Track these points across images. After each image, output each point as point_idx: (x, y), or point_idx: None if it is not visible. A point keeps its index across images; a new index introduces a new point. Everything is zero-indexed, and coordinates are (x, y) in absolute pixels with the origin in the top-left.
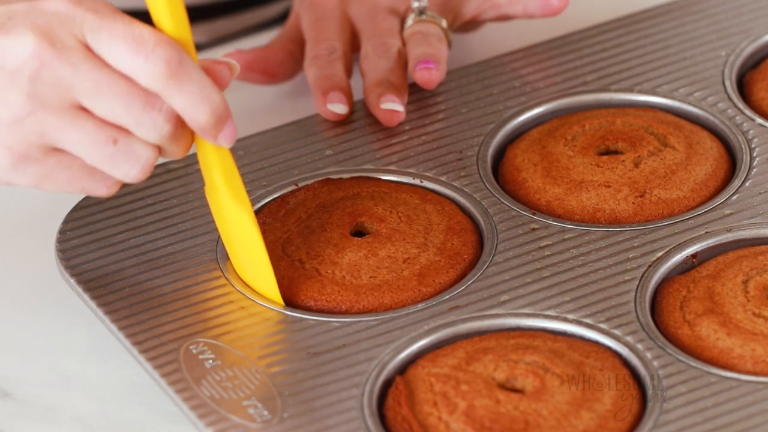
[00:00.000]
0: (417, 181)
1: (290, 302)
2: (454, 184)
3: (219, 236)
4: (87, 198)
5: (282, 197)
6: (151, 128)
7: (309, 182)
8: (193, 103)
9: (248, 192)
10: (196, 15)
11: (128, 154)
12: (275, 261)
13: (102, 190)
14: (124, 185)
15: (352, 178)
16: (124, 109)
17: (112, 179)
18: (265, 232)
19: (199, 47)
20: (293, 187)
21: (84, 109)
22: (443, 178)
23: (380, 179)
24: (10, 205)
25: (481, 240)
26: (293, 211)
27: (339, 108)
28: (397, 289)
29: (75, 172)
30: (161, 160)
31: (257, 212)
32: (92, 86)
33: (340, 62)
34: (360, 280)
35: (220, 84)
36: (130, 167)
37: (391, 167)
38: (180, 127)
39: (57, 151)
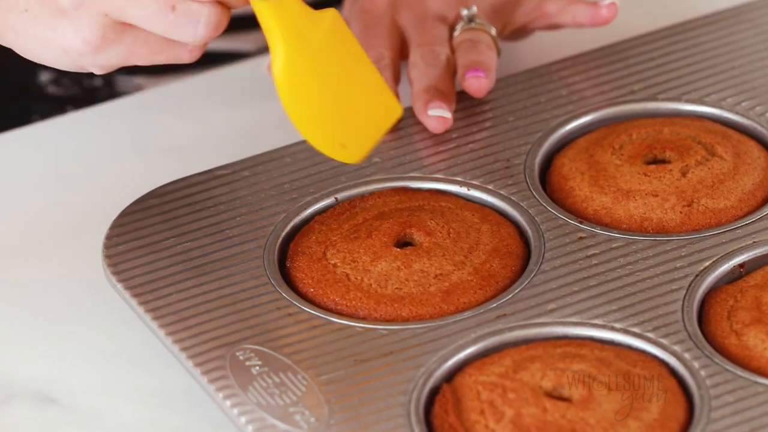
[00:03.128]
0: (464, 190)
1: (313, 302)
2: (501, 192)
3: (267, 242)
4: (134, 204)
5: (350, 201)
6: None
7: (383, 189)
8: None
9: (295, 199)
10: (243, 24)
11: (189, 17)
12: (315, 262)
13: (185, 56)
14: (171, 191)
15: (428, 190)
16: None
17: (195, 36)
18: (318, 233)
19: (247, 55)
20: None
21: None
22: (490, 186)
23: (455, 194)
24: (57, 211)
25: (525, 266)
26: (354, 216)
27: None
28: (419, 303)
29: (154, 45)
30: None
31: (321, 213)
32: None
33: (388, 69)
34: (385, 289)
35: None
36: (194, 29)
37: (438, 175)
38: None
39: (129, 28)
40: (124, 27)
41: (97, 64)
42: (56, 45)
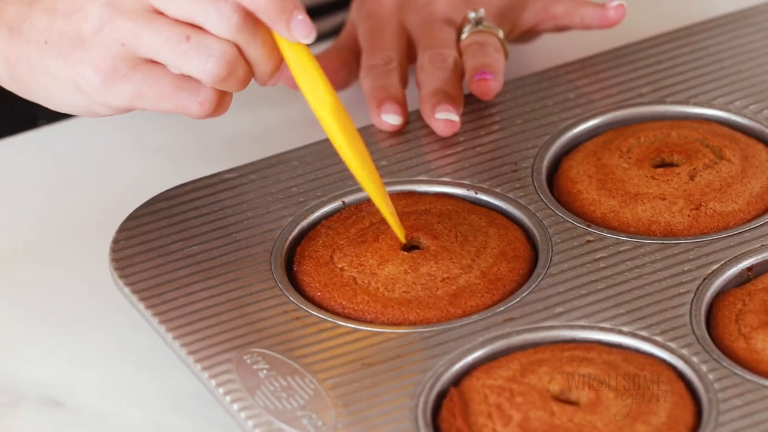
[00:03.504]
0: (472, 193)
1: (320, 306)
2: (509, 195)
3: (274, 245)
4: (141, 207)
5: (357, 206)
6: (219, 18)
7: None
8: None
9: (302, 202)
10: None
11: (201, 49)
12: (322, 266)
13: (194, 107)
14: (178, 194)
15: (435, 193)
16: (192, 5)
17: (203, 94)
18: (326, 237)
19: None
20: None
21: (159, 12)
22: (498, 190)
23: (462, 198)
24: (64, 215)
25: (533, 269)
26: (361, 220)
27: (394, 119)
28: (426, 306)
29: (164, 87)
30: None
31: (329, 217)
32: None
33: (395, 72)
34: (392, 293)
35: None
36: (204, 62)
37: (446, 178)
38: (251, 20)
39: (142, 65)
40: (137, 63)
41: (106, 102)
42: (68, 77)
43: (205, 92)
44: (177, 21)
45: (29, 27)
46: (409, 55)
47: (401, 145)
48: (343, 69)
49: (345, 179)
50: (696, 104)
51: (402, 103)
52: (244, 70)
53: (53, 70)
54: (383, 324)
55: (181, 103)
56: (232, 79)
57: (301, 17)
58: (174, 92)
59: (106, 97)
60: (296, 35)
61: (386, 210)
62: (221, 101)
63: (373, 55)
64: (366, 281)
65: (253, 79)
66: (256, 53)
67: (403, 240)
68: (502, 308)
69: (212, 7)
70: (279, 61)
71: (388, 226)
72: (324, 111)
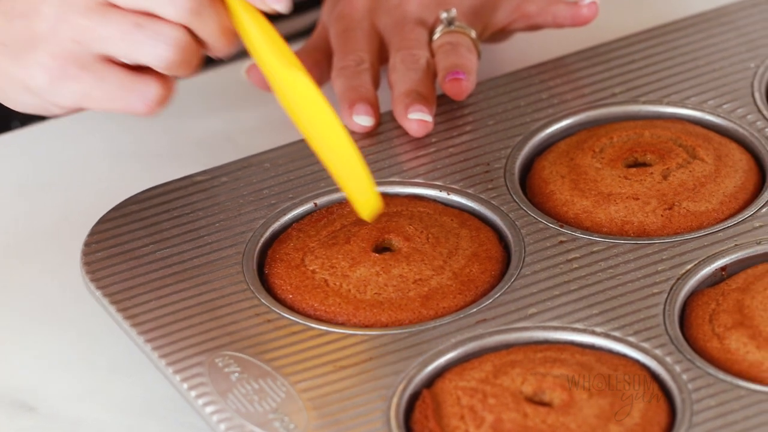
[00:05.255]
0: (444, 194)
1: (292, 308)
2: (482, 196)
3: (245, 248)
4: (112, 211)
5: (328, 208)
6: (170, 4)
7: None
8: None
9: (274, 204)
10: None
11: (153, 36)
12: (294, 268)
13: (140, 106)
14: (150, 197)
15: (406, 196)
16: None
17: (149, 95)
18: (297, 239)
19: (222, 61)
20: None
21: (112, 5)
22: (470, 191)
23: (433, 200)
24: (35, 218)
25: (505, 270)
26: (332, 223)
27: (365, 120)
28: (398, 308)
29: (111, 87)
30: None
31: (300, 220)
32: None
33: (367, 73)
34: (364, 295)
35: None
36: (156, 48)
37: (418, 180)
38: (204, 1)
39: (93, 64)
40: (88, 62)
41: (55, 102)
42: (19, 79)
43: (152, 93)
44: (129, 11)
45: None
46: (382, 56)
47: (373, 147)
48: (315, 70)
49: (317, 181)
50: (669, 104)
51: (374, 104)
52: (197, 54)
53: (7, 71)
54: (355, 326)
55: (128, 104)
56: (184, 64)
57: None
58: (121, 94)
59: (54, 97)
60: (272, 4)
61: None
62: (166, 99)
63: (344, 57)
64: (338, 283)
65: (225, 86)
66: (209, 33)
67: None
68: (475, 310)
69: None
70: (232, 36)
71: (360, 228)
72: (289, 69)
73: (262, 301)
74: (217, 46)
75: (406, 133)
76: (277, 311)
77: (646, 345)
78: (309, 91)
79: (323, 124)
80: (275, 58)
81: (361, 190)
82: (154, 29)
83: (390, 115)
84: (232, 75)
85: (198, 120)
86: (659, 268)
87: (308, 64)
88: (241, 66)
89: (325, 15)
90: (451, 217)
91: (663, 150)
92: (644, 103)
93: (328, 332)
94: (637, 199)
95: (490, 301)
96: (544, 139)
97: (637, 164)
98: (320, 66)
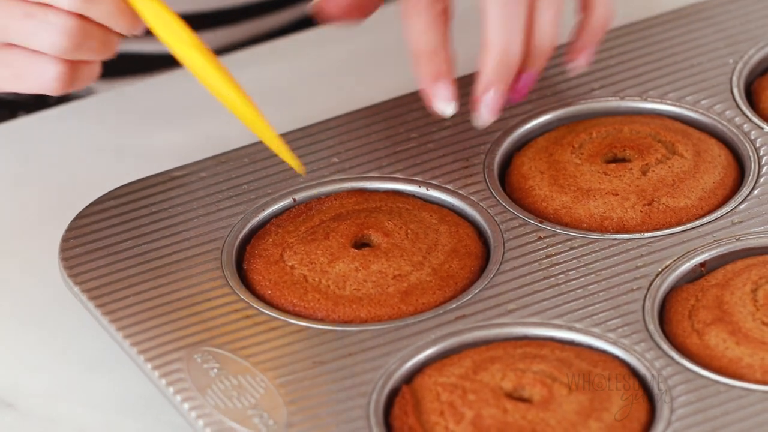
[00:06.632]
0: (423, 190)
1: (271, 304)
2: (461, 192)
3: (224, 243)
4: (90, 206)
5: (306, 204)
6: None
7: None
8: None
9: (252, 200)
10: (211, 22)
11: (45, 25)
12: (272, 264)
13: (47, 83)
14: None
15: (385, 191)
16: None
17: (53, 68)
18: (276, 235)
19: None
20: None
21: None
22: (449, 186)
23: (412, 196)
24: (12, 214)
25: (484, 266)
26: (311, 218)
27: (449, 108)
28: (377, 304)
29: (17, 68)
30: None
31: (279, 215)
32: None
33: (445, 21)
34: (343, 290)
35: None
36: (50, 36)
37: (397, 175)
38: None
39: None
40: None
41: None
42: None
43: (53, 71)
44: (21, 1)
45: None
46: None
47: (352, 142)
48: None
49: (296, 176)
50: (648, 99)
51: (455, 83)
52: (96, 36)
53: None
54: (334, 322)
55: (34, 82)
56: (84, 48)
57: None
58: (26, 71)
59: None
60: None
61: (272, 141)
62: (78, 72)
63: None
64: (316, 279)
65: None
66: (105, 16)
67: (300, 171)
68: (454, 305)
69: None
70: (132, 15)
71: (339, 224)
72: (188, 49)
73: (241, 297)
74: (119, 27)
75: (384, 128)
76: (256, 307)
77: (625, 341)
78: (206, 69)
79: (231, 101)
80: (175, 38)
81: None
82: (43, 18)
83: (370, 109)
84: None
85: (174, 116)
86: (638, 264)
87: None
88: (228, 61)
89: None
90: (430, 212)
91: (642, 146)
92: (623, 98)
93: (306, 328)
94: (617, 194)
95: (470, 297)
96: (523, 135)
97: (616, 160)
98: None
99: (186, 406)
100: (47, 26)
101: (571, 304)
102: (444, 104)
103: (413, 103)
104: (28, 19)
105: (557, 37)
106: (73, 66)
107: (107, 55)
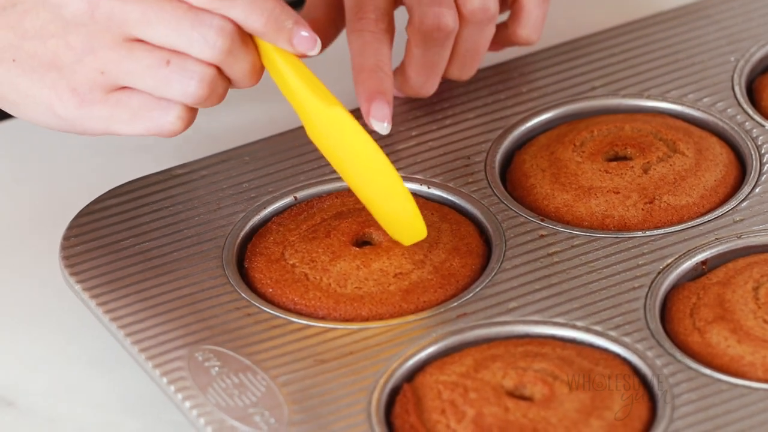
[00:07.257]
0: (425, 188)
1: (272, 302)
2: (462, 190)
3: (225, 241)
4: (91, 204)
5: (308, 202)
6: (203, 44)
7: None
8: (248, 11)
9: (253, 198)
10: None
11: (181, 73)
12: (274, 262)
13: (166, 125)
14: (129, 191)
15: None
16: (173, 32)
17: (174, 112)
18: (277, 233)
19: None
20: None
21: (140, 41)
22: (451, 184)
23: (414, 193)
24: (13, 212)
25: (486, 264)
26: (312, 217)
27: (383, 128)
28: (379, 302)
29: (136, 109)
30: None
31: (280, 213)
32: (140, 16)
33: (386, 40)
34: (345, 289)
35: None
36: (185, 85)
37: (398, 173)
38: (237, 42)
39: (118, 90)
40: (112, 90)
41: (81, 125)
42: (43, 97)
43: (175, 112)
44: (158, 47)
45: None
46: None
47: None
48: (329, 27)
49: (297, 174)
50: (649, 97)
51: (391, 101)
52: (223, 87)
53: (25, 89)
54: (335, 320)
55: (154, 123)
56: (211, 99)
57: (305, 33)
58: (146, 112)
59: (79, 120)
60: (301, 50)
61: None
62: (191, 118)
63: (361, 9)
64: (318, 277)
65: None
66: (239, 72)
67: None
68: (455, 304)
69: (196, 34)
70: (260, 73)
71: (340, 222)
72: (335, 110)
73: (243, 295)
74: (244, 83)
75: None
76: (258, 305)
77: (626, 339)
78: (350, 128)
79: (367, 161)
80: (311, 95)
81: (409, 225)
82: (183, 66)
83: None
84: None
85: None
86: (640, 262)
87: (321, 16)
88: None
89: None
90: (431, 210)
91: (643, 144)
92: (624, 96)
93: (308, 326)
94: (618, 193)
95: (471, 295)
96: (524, 133)
97: (617, 158)
98: (332, 19)
99: (187, 404)
100: (184, 74)
101: (573, 302)
102: (378, 124)
103: (413, 101)
104: (164, 66)
105: None
106: (193, 111)
107: (219, 103)
